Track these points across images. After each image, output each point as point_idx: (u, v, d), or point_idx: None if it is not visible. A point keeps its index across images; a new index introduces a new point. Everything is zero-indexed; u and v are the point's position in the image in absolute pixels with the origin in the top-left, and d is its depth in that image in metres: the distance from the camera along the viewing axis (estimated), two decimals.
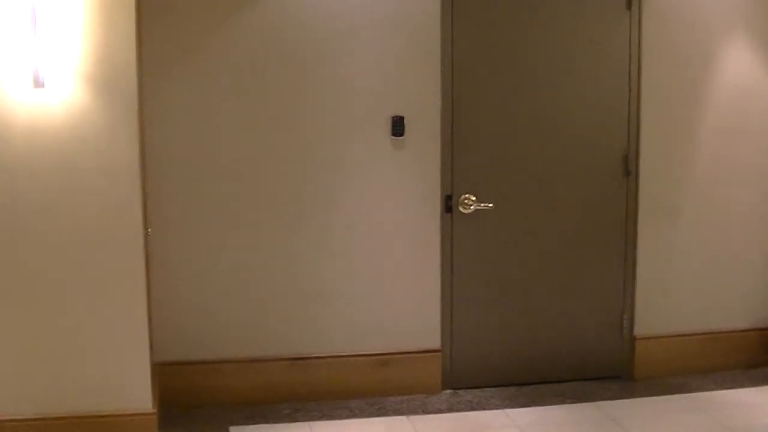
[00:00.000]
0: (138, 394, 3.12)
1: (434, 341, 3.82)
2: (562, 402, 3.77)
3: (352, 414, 3.64)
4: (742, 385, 3.98)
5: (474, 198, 3.75)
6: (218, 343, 3.65)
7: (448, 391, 3.87)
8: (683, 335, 4.08)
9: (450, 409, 3.70)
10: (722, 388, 3.93)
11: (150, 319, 3.41)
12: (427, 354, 3.83)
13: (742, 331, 4.18)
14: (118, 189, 3.03)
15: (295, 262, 3.69)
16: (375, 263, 3.76)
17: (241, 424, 3.49)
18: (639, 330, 4.01)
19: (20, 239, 3.00)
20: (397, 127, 3.66)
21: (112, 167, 3.02)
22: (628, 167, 3.91)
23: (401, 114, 3.66)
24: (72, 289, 3.05)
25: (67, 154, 2.99)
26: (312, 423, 3.53)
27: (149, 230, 3.27)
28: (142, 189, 3.06)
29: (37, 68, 2.91)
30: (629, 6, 3.89)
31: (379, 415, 3.62)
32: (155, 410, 3.15)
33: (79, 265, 3.04)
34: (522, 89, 3.83)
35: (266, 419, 3.56)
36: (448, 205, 3.75)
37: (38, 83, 2.92)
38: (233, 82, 3.56)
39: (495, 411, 3.69)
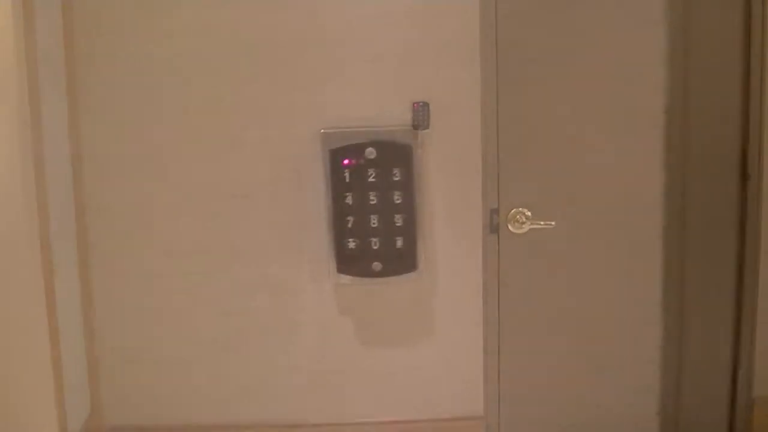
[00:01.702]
0: None
1: (475, 405, 2.79)
2: None
3: None
4: None
5: (528, 213, 2.68)
6: (186, 404, 2.75)
7: None
8: None
9: None
10: None
11: (94, 374, 2.70)
12: (466, 422, 2.81)
13: None
14: (7, 224, 2.20)
15: (287, 297, 2.62)
16: None
17: None
18: (759, 389, 2.84)
19: None
20: (421, 116, 2.62)
21: None
22: (747, 169, 2.69)
23: (425, 99, 2.53)
24: None
25: None
26: None
27: None
28: (42, 223, 2.24)
29: None
30: None
31: None
32: None
33: None
34: (593, 65, 2.63)
35: None
36: (494, 222, 2.71)
37: None
38: (182, 79, 2.50)
39: None
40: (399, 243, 2.38)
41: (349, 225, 2.36)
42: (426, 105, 2.55)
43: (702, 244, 2.78)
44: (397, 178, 2.35)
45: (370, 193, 2.36)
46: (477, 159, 2.61)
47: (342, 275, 2.40)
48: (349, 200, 2.35)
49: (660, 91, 2.56)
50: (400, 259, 2.39)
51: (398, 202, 2.36)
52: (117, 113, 2.53)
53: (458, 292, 2.68)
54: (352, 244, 2.37)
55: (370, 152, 2.31)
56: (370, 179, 2.34)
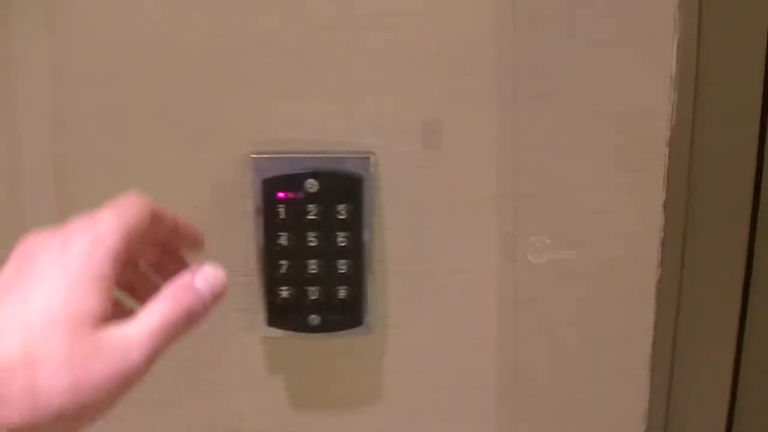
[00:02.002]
0: None
1: None
2: None
3: None
4: None
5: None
6: None
7: None
8: None
9: None
10: None
11: None
12: None
13: None
14: None
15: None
16: None
17: None
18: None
19: None
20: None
21: None
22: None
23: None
24: None
25: None
26: None
27: None
28: None
29: None
30: None
31: None
32: None
33: None
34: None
35: None
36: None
37: None
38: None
39: None
40: (342, 293, 1.98)
41: (283, 270, 1.95)
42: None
43: (701, 300, 2.11)
44: (342, 216, 1.93)
45: (309, 233, 1.94)
46: (490, 178, 1.93)
47: (272, 329, 2.03)
48: (283, 241, 1.94)
49: (663, 119, 1.87)
50: (343, 312, 2.00)
51: (343, 244, 1.95)
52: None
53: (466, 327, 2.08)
54: (285, 293, 1.98)
55: (311, 184, 1.90)
56: (310, 216, 1.93)
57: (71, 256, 0.89)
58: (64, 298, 0.85)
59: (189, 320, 1.01)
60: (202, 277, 1.08)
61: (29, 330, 0.80)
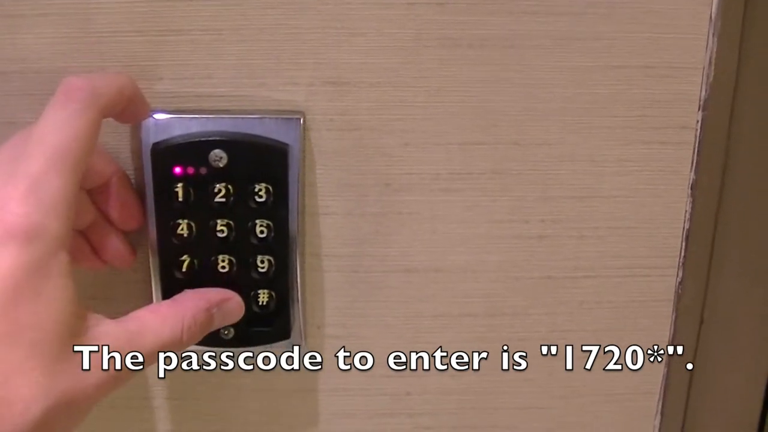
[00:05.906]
0: None
1: None
2: None
3: None
4: None
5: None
6: None
7: None
8: None
9: None
10: None
11: None
12: None
13: None
14: None
15: None
16: None
17: None
18: None
19: None
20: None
21: None
22: None
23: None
24: None
25: None
26: None
27: None
28: None
29: None
30: None
31: None
32: None
33: None
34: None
35: None
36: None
37: None
38: None
39: None
40: (262, 298, 1.52)
41: (184, 268, 1.49)
42: None
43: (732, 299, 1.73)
44: (261, 198, 1.45)
45: (218, 221, 1.47)
46: (460, 152, 1.59)
47: None
48: (183, 230, 1.46)
49: (696, 74, 1.30)
50: (263, 322, 1.54)
51: (262, 235, 1.48)
52: None
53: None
54: None
55: (218, 156, 1.42)
56: (218, 199, 1.45)
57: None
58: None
59: (180, 348, 1.01)
60: (223, 313, 1.15)
61: None
